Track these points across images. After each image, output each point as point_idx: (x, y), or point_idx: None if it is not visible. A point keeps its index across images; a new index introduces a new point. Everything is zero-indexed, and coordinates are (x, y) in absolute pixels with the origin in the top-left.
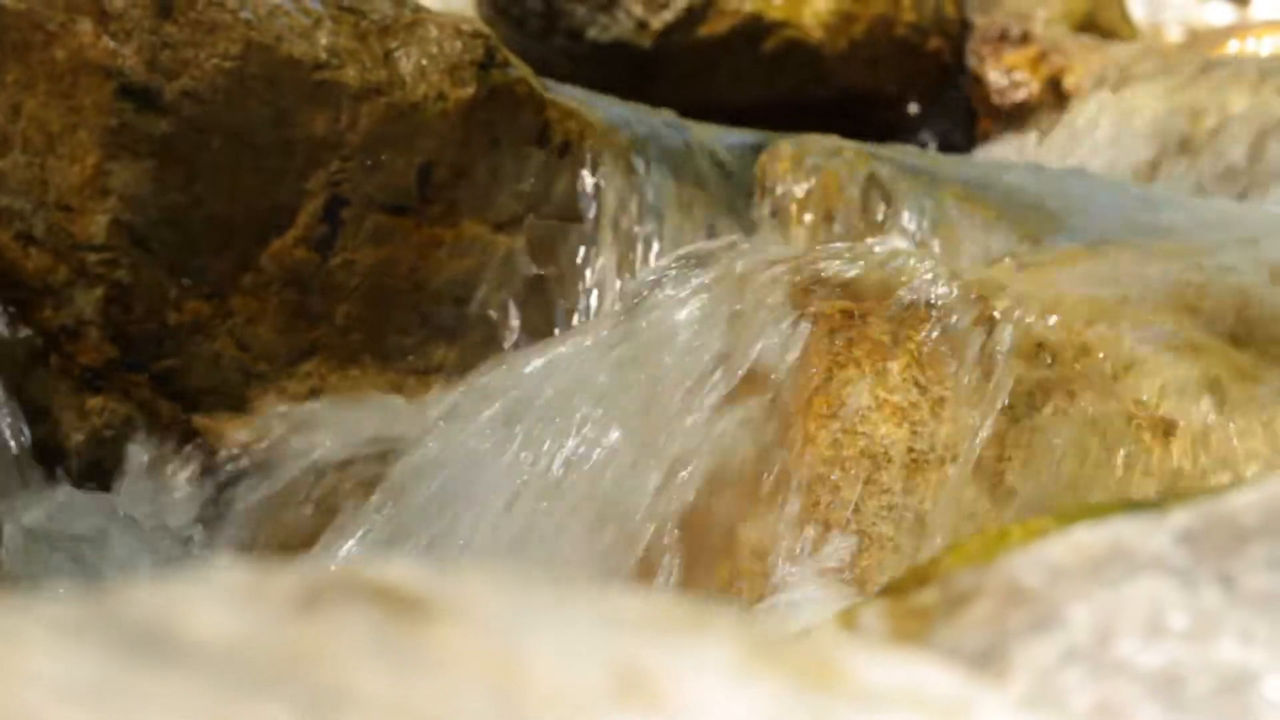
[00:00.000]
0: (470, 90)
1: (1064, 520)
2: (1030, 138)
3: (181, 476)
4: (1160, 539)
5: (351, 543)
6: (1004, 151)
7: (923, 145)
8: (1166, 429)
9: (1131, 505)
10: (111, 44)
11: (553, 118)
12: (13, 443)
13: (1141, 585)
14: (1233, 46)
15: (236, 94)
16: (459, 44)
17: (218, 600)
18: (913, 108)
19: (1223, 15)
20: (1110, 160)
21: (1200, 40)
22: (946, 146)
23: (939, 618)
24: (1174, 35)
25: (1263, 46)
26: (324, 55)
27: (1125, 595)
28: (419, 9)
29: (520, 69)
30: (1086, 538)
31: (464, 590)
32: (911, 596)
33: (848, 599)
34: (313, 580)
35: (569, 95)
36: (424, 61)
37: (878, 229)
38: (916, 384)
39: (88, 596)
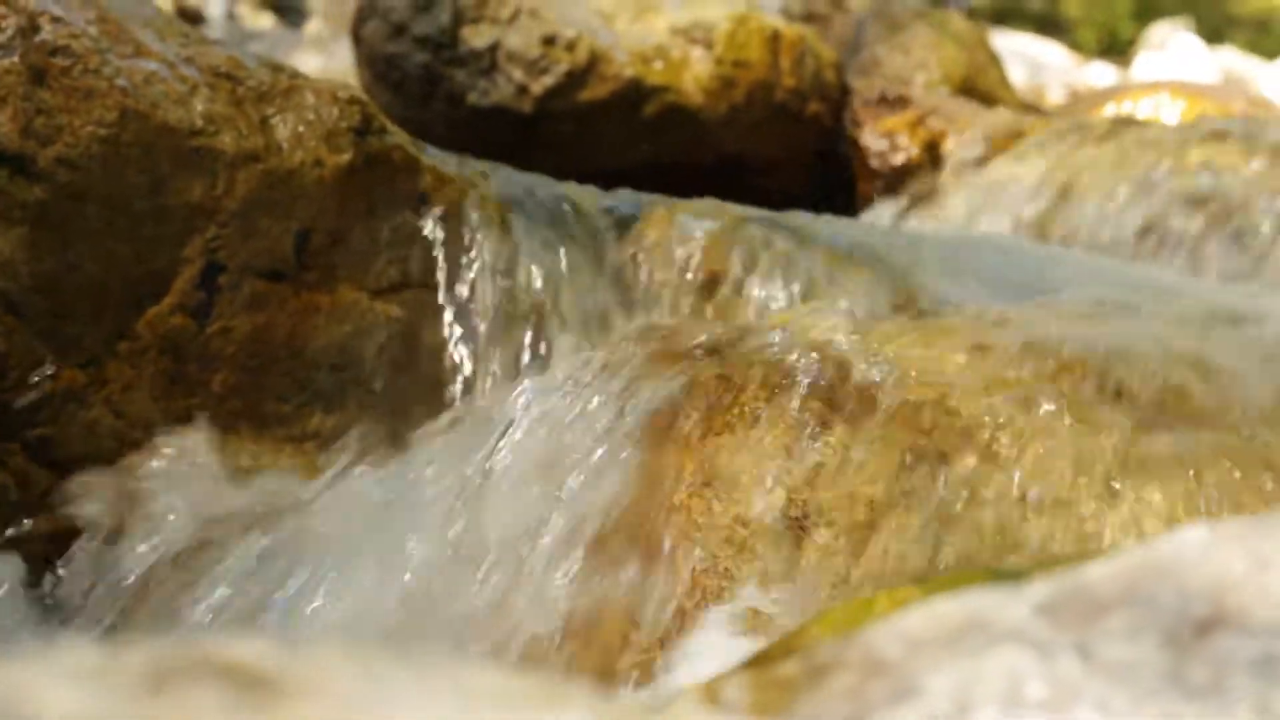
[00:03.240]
0: (347, 157)
1: (928, 590)
2: (909, 200)
3: (54, 546)
4: (1019, 610)
5: (220, 613)
6: (883, 214)
7: (803, 209)
8: (1042, 496)
9: (993, 575)
10: None
11: (430, 184)
12: None
13: (1000, 656)
14: (1110, 109)
15: (112, 161)
16: (335, 110)
17: (67, 680)
18: (793, 171)
19: (1105, 77)
20: (985, 221)
21: (1080, 102)
22: (827, 209)
23: (801, 689)
24: (1056, 97)
25: (1139, 108)
26: (200, 122)
27: (984, 666)
28: (296, 75)
29: (398, 135)
30: (945, 608)
31: (317, 667)
32: (775, 667)
33: (717, 669)
34: (162, 659)
35: (446, 159)
36: (301, 128)
37: (754, 292)
38: (790, 451)
39: None
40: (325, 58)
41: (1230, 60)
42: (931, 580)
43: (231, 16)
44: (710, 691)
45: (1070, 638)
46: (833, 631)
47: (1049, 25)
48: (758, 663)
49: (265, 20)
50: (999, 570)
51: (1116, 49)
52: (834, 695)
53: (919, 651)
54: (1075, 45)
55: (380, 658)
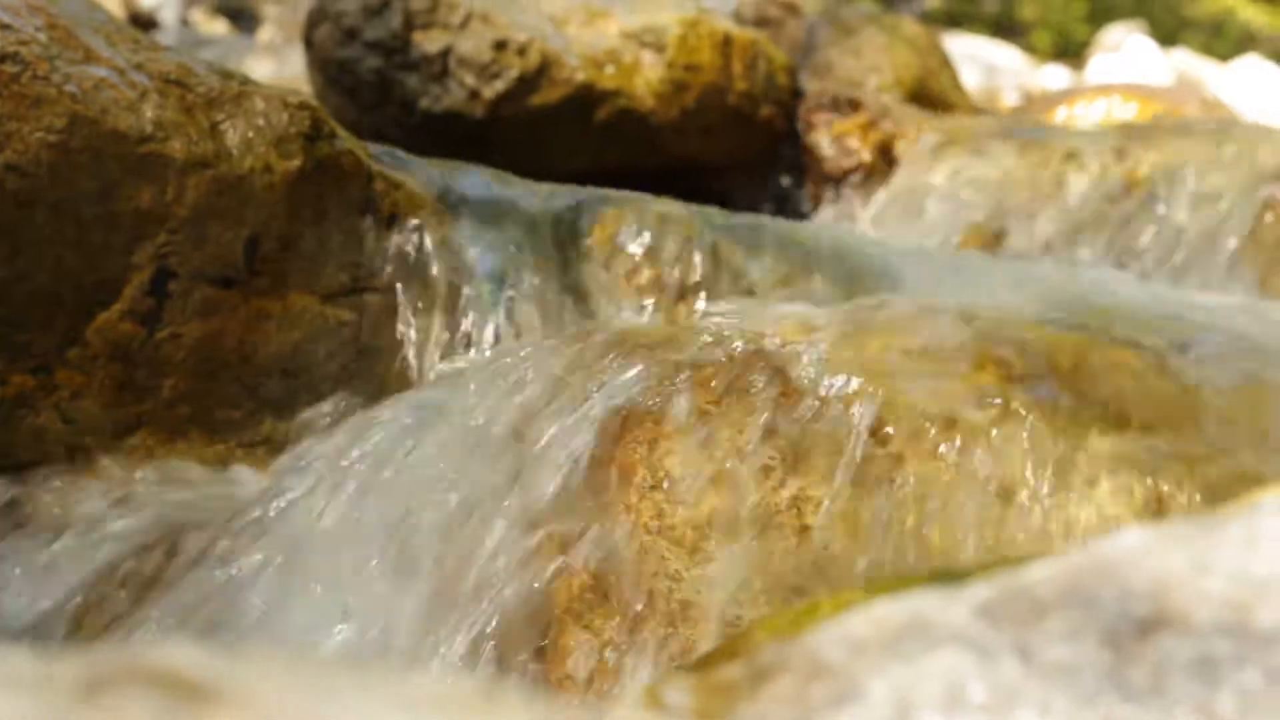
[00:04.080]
0: (297, 162)
1: (872, 592)
2: (860, 203)
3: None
4: (959, 612)
5: (169, 621)
6: (835, 217)
7: (756, 211)
8: (996, 497)
9: (935, 578)
10: None
11: (380, 189)
12: None
13: (940, 658)
14: (1061, 113)
15: (61, 167)
16: (285, 116)
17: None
18: (746, 175)
19: (1059, 79)
20: (937, 225)
21: (1033, 105)
22: (779, 213)
23: (743, 693)
24: (1010, 100)
25: (1092, 111)
26: (150, 128)
27: (924, 668)
28: (246, 81)
29: (348, 140)
30: (886, 611)
31: (253, 675)
32: (718, 671)
33: (666, 671)
34: (96, 667)
35: (398, 160)
36: (250, 134)
37: (703, 292)
38: (740, 452)
39: None
40: (278, 64)
41: (1184, 62)
42: (876, 582)
43: (185, 22)
44: (652, 695)
45: (1011, 639)
46: (777, 634)
47: (1004, 28)
48: (701, 666)
49: (219, 26)
50: (941, 571)
51: (1071, 51)
52: (776, 698)
53: (861, 654)
54: (1030, 48)
55: (318, 665)
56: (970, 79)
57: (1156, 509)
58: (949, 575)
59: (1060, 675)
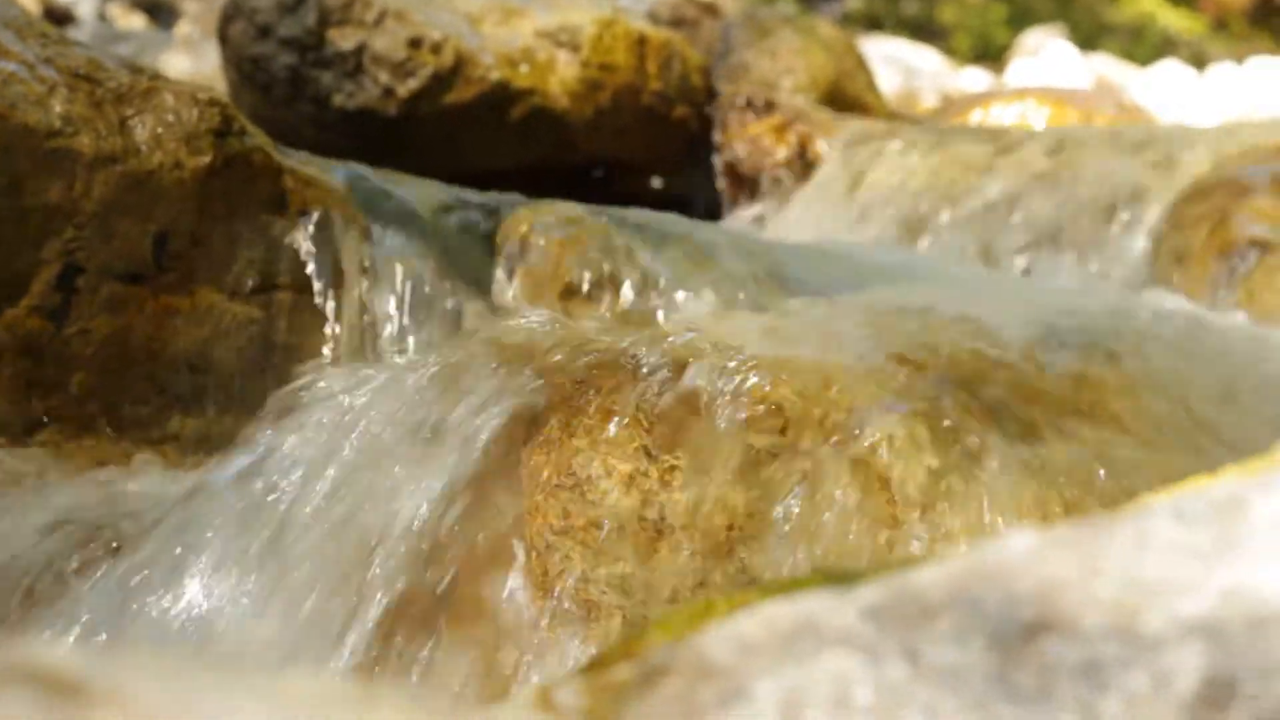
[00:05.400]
0: (206, 158)
1: (765, 594)
2: (773, 204)
3: None
4: (848, 614)
5: (71, 617)
6: (750, 217)
7: (670, 211)
8: (897, 495)
9: (826, 580)
10: None
11: (290, 186)
12: None
13: (829, 661)
14: (976, 115)
15: None
16: (195, 112)
17: None
18: (662, 175)
19: (979, 82)
20: (847, 224)
21: (950, 108)
22: (693, 212)
23: (633, 694)
24: (930, 102)
25: (1006, 114)
26: (58, 123)
27: (812, 671)
28: (156, 77)
29: (258, 137)
30: (777, 612)
31: (129, 675)
32: (609, 672)
33: (567, 671)
34: None
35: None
36: (160, 129)
37: (613, 293)
38: (647, 453)
39: None
40: (195, 59)
41: (1104, 66)
42: (770, 583)
43: (103, 17)
44: (543, 696)
45: (899, 642)
46: (670, 635)
47: (924, 31)
48: (594, 667)
49: (136, 21)
50: (832, 573)
51: (991, 55)
52: (664, 700)
53: (749, 656)
54: (950, 51)
55: (196, 666)
56: (889, 81)
57: (1056, 510)
58: (840, 577)
59: (947, 678)
